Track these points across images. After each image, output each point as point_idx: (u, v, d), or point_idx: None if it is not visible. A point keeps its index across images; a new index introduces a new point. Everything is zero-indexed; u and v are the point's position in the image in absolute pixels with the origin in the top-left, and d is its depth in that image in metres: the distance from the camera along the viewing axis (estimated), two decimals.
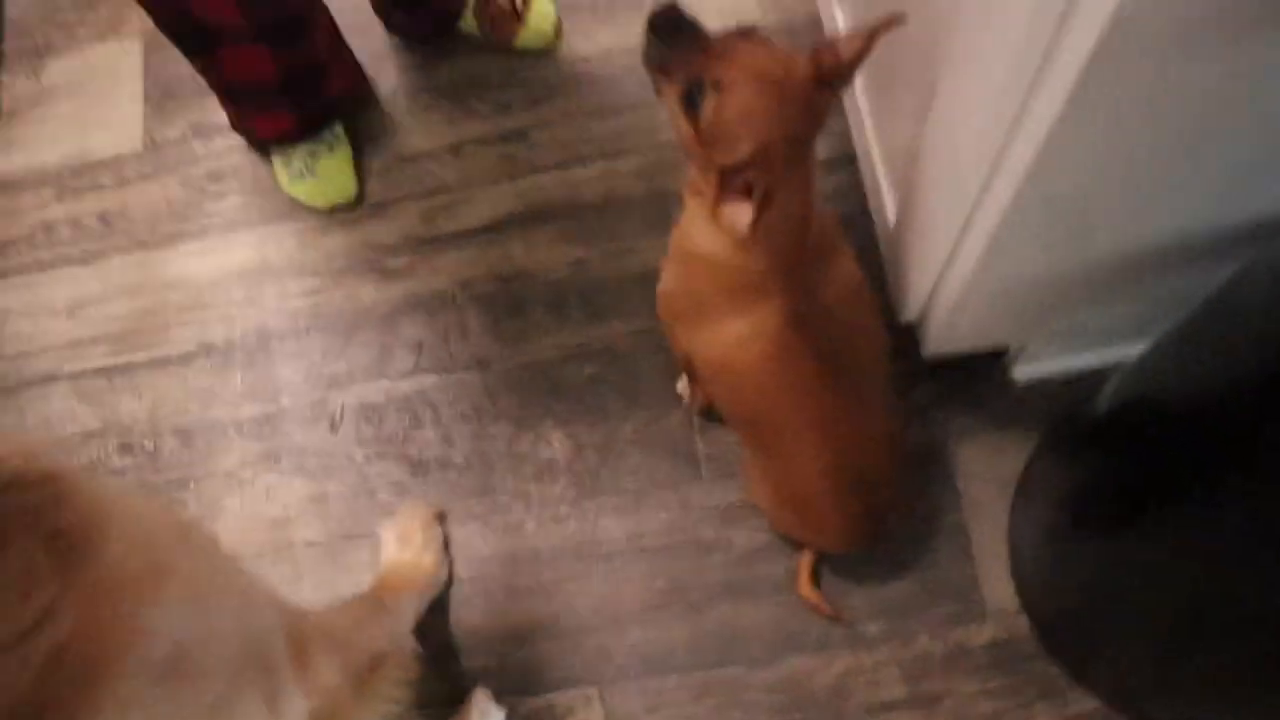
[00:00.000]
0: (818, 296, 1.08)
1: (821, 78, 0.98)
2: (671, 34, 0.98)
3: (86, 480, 0.71)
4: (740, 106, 0.96)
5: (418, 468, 1.55)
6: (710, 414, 1.48)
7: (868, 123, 1.40)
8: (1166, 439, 1.05)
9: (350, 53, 1.68)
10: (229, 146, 1.77)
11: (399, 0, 1.66)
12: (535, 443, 1.53)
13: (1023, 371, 1.43)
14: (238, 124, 1.68)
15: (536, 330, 1.58)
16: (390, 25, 1.75)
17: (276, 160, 1.70)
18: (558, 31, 1.73)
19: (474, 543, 1.50)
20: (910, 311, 1.31)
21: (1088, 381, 1.40)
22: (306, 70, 1.55)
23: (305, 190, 1.68)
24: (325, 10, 1.57)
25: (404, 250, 1.66)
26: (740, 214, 0.97)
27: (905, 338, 1.38)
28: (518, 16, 1.70)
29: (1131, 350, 1.32)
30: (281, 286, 1.68)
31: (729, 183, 0.99)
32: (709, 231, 1.06)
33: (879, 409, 1.19)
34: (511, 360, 1.58)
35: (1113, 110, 0.79)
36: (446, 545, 1.48)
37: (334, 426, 1.59)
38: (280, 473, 1.58)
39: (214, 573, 0.85)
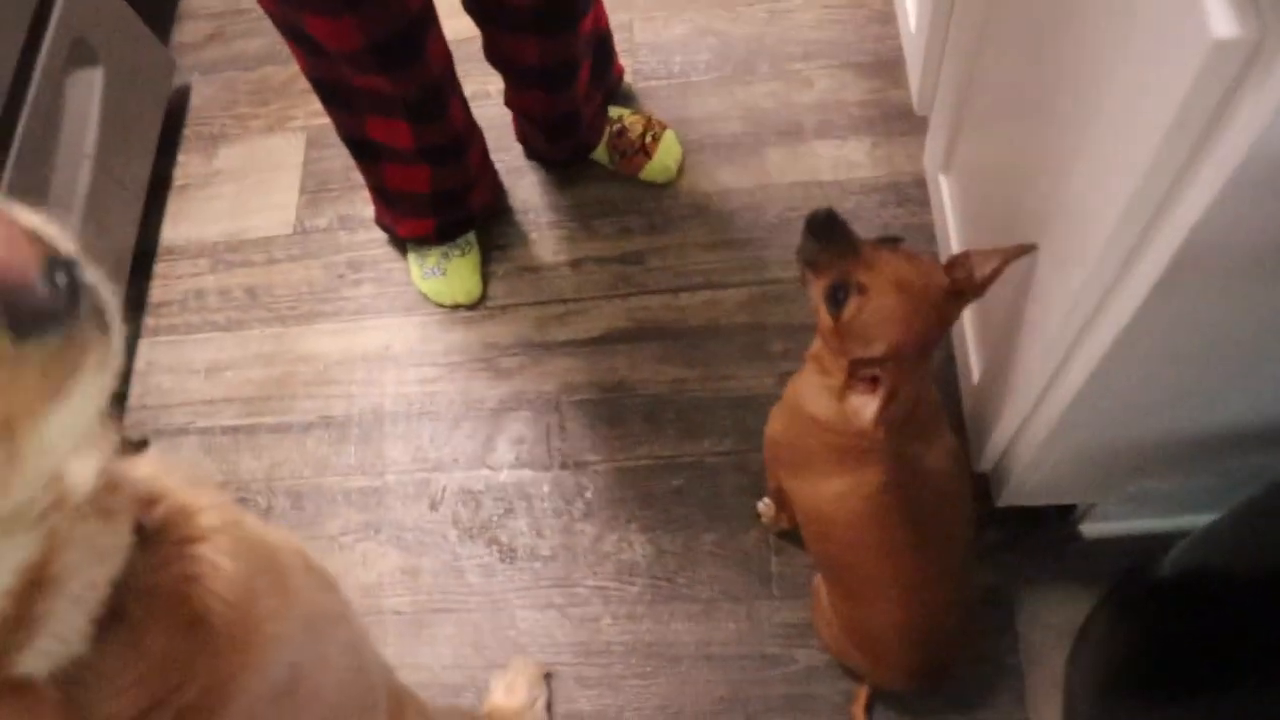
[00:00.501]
0: (917, 467, 1.18)
1: (955, 290, 1.10)
2: (825, 235, 1.10)
3: (234, 522, 0.72)
4: (880, 311, 1.07)
5: (507, 554, 1.66)
6: (786, 534, 1.57)
7: None
8: (1225, 610, 1.11)
9: (495, 172, 1.86)
10: (370, 240, 1.94)
11: (544, 131, 1.82)
12: (619, 544, 1.63)
13: (1091, 528, 1.50)
14: (382, 219, 1.86)
15: (631, 440, 1.70)
16: (530, 152, 1.92)
17: (412, 256, 1.86)
18: (681, 168, 1.89)
19: (551, 630, 1.59)
20: (986, 462, 1.40)
21: (1155, 543, 1.46)
22: (456, 186, 1.72)
23: (434, 287, 1.84)
24: (480, 135, 1.75)
25: (517, 352, 1.80)
26: (866, 406, 1.08)
27: (980, 482, 1.46)
28: (646, 152, 1.86)
29: (1202, 519, 1.33)
30: (401, 372, 1.82)
31: (858, 373, 1.09)
32: (824, 399, 1.17)
33: (958, 577, 1.27)
34: (605, 465, 1.69)
35: (1186, 312, 0.88)
36: (549, 707, 1.54)
37: (433, 506, 1.71)
38: (378, 543, 1.70)
39: (330, 606, 0.90)
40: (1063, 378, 1.08)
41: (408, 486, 1.74)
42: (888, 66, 1.94)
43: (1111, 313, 0.93)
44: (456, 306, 1.85)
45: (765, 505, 1.58)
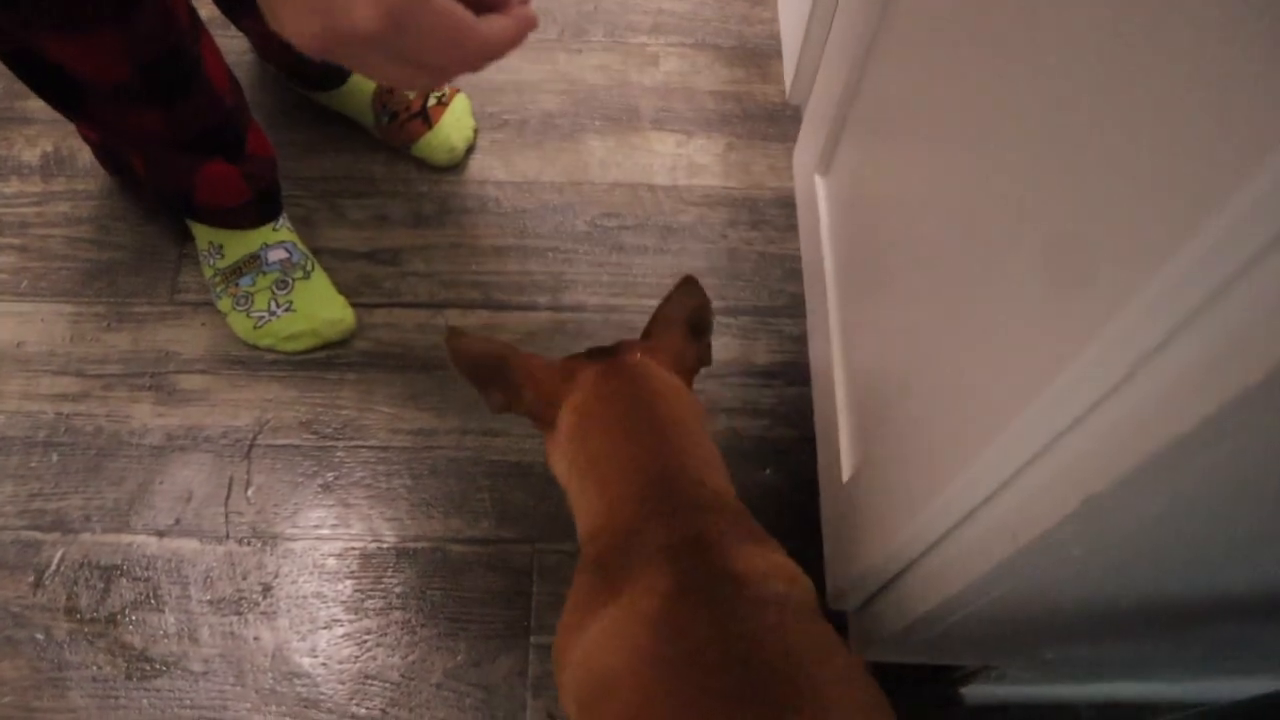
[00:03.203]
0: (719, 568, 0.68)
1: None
2: None
3: None
4: None
5: (138, 666, 1.10)
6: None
7: (835, 335, 1.06)
8: None
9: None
10: (21, 194, 1.38)
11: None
12: (308, 661, 1.11)
13: (978, 691, 1.07)
14: (164, 187, 1.22)
15: (346, 510, 1.18)
16: (270, 59, 1.39)
17: (226, 305, 1.27)
18: (470, 147, 1.41)
19: None
20: (848, 600, 0.93)
21: (1057, 718, 1.06)
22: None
23: (284, 329, 1.26)
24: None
25: (203, 368, 1.26)
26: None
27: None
28: (426, 119, 1.37)
29: (1117, 689, 1.07)
30: (31, 381, 1.26)
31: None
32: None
33: None
34: (303, 543, 1.16)
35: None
36: None
37: (39, 583, 1.15)
38: None
39: None
40: (996, 513, 0.63)
41: (6, 549, 1.17)
42: (756, 55, 1.51)
43: (1116, 428, 0.49)
44: (327, 346, 1.27)
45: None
